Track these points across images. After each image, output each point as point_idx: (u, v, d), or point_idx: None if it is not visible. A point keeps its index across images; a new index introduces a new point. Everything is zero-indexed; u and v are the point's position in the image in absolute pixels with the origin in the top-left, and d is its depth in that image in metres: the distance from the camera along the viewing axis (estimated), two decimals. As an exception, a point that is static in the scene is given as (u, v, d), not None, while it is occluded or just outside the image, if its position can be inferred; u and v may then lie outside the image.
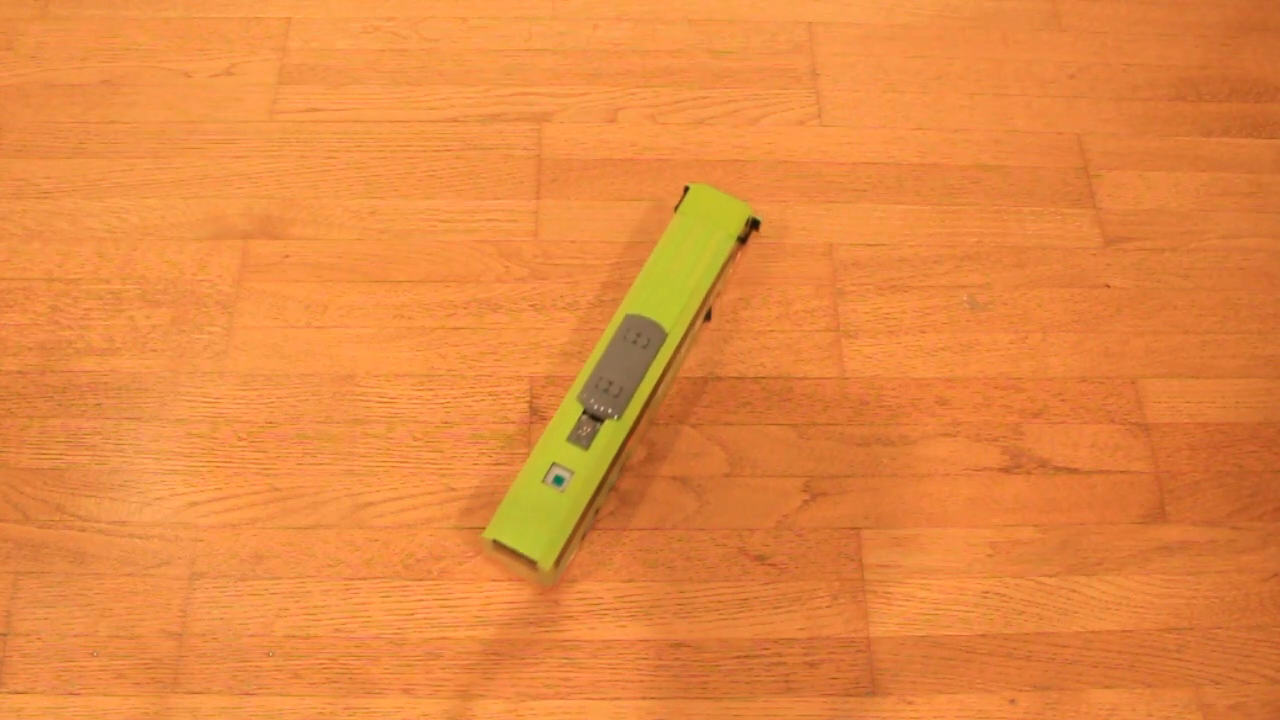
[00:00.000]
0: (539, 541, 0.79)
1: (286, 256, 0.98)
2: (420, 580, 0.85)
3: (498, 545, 0.79)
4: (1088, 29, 1.15)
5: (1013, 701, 0.82)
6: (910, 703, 0.82)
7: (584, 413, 0.82)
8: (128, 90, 1.06)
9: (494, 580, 0.85)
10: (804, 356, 0.95)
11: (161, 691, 0.81)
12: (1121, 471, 0.91)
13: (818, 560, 0.87)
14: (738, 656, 0.83)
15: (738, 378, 0.94)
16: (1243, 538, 0.89)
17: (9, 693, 0.80)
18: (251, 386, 0.92)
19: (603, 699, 0.81)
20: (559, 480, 0.80)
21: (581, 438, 0.81)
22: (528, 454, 0.89)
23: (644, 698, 0.82)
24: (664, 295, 0.87)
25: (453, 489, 0.88)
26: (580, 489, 0.80)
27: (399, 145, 1.04)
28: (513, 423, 0.91)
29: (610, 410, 0.82)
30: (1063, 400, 0.94)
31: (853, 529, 0.88)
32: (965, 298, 0.99)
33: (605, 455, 0.81)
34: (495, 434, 0.91)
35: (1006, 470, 0.91)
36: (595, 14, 1.13)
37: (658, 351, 0.85)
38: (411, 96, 1.07)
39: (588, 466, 0.81)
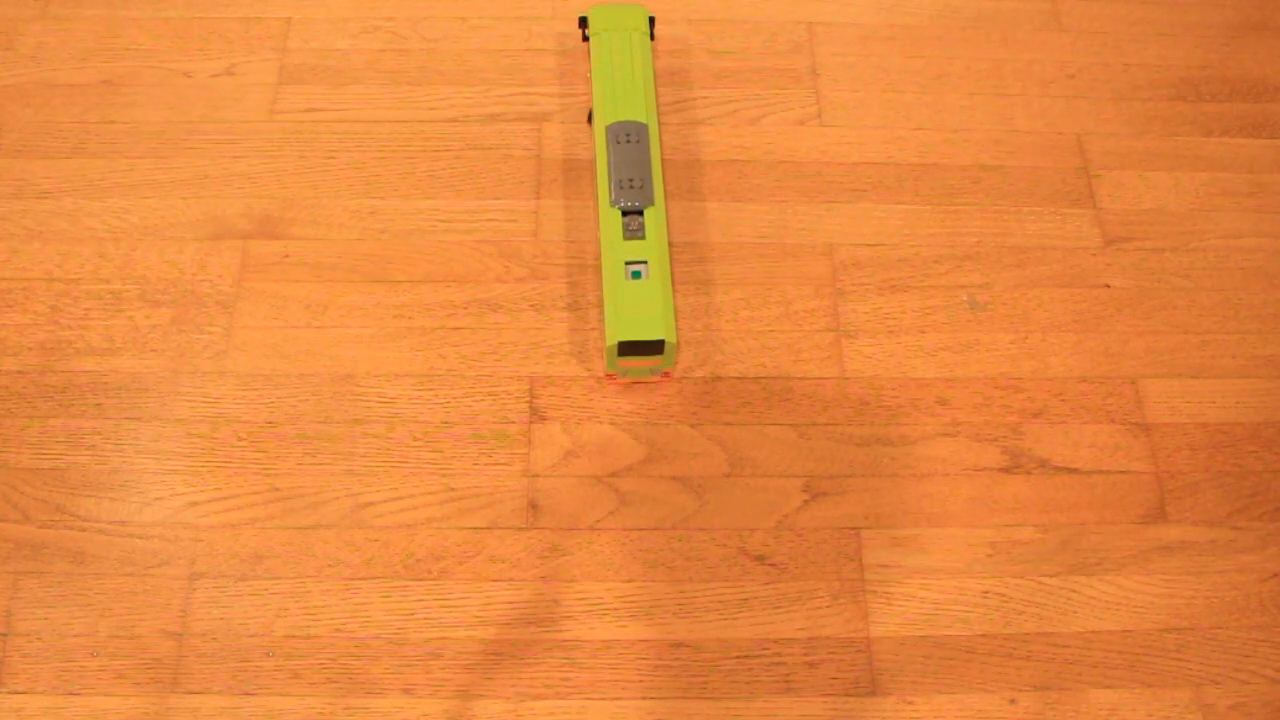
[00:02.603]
0: (656, 324, 0.87)
1: (286, 256, 0.98)
2: (420, 580, 0.85)
3: (624, 346, 0.87)
4: (1088, 29, 1.15)
5: (1013, 701, 0.82)
6: (910, 703, 0.82)
7: (624, 214, 0.92)
8: (128, 90, 1.06)
9: (494, 580, 0.85)
10: (804, 356, 0.95)
11: (161, 691, 0.81)
12: (1121, 471, 0.91)
13: (818, 560, 0.87)
14: (738, 656, 0.83)
15: (738, 378, 0.94)
16: (1243, 538, 0.89)
17: (9, 693, 0.80)
18: (251, 386, 0.92)
19: (603, 699, 0.81)
20: (637, 274, 0.89)
21: (635, 230, 0.91)
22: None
23: (644, 698, 0.82)
24: (625, 98, 0.98)
25: (453, 489, 0.88)
26: (659, 269, 0.90)
27: (399, 145, 1.04)
28: (513, 423, 0.91)
29: (643, 200, 0.92)
30: (1063, 400, 0.94)
31: (853, 529, 0.88)
32: (965, 298, 0.99)
33: (661, 235, 0.92)
34: (495, 434, 0.91)
35: (1006, 470, 0.91)
36: (595, 14, 1.13)
37: (650, 142, 0.95)
38: (411, 96, 1.07)
39: (654, 249, 0.91)
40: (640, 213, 0.92)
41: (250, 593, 0.84)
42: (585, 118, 1.04)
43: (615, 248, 0.91)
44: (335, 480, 0.88)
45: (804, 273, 0.99)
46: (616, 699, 0.81)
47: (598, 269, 0.98)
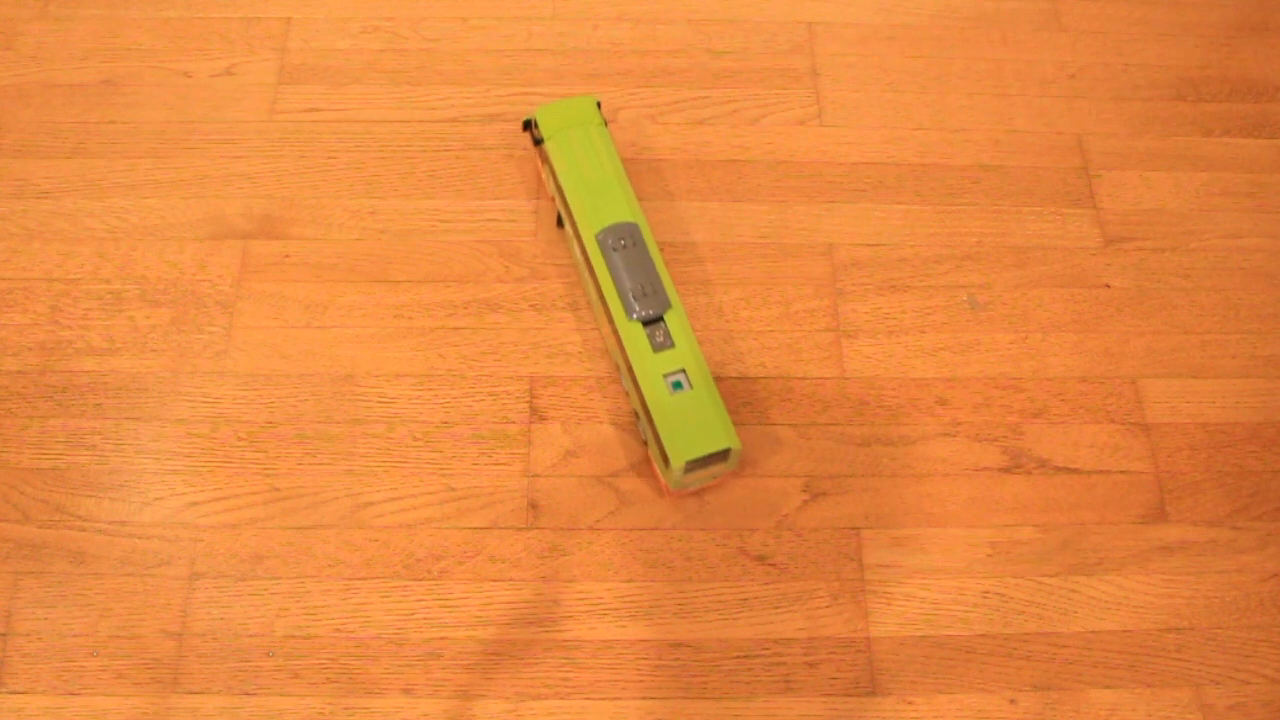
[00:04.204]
0: (717, 434, 0.83)
1: (286, 256, 0.98)
2: (420, 580, 0.85)
3: (691, 463, 0.82)
4: (1088, 29, 1.15)
5: (1013, 701, 0.82)
6: (910, 703, 0.82)
7: (644, 325, 0.86)
8: (128, 90, 1.06)
9: (494, 580, 0.85)
10: (804, 356, 0.95)
11: (161, 691, 0.81)
12: (1121, 471, 0.91)
13: (818, 560, 0.87)
14: (738, 656, 0.83)
15: (738, 378, 0.94)
16: (1243, 538, 0.89)
17: (9, 693, 0.80)
18: (251, 386, 0.92)
19: (603, 699, 0.81)
20: (678, 385, 0.84)
21: (661, 342, 0.86)
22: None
23: (644, 698, 0.82)
24: (606, 200, 0.91)
25: (453, 489, 0.88)
26: (699, 374, 0.85)
27: (399, 145, 1.04)
28: (513, 423, 0.91)
29: (660, 305, 0.87)
30: (1063, 400, 0.94)
31: (853, 529, 0.88)
32: (965, 298, 0.99)
33: (689, 336, 0.87)
34: (495, 434, 0.91)
35: (1006, 470, 0.91)
36: (595, 14, 1.13)
37: (646, 241, 0.90)
38: (411, 96, 1.07)
39: (687, 355, 0.86)
40: (661, 319, 0.87)
41: (250, 593, 0.84)
42: (555, 221, 0.98)
43: (647, 363, 0.85)
44: (335, 480, 0.88)
45: (804, 273, 0.99)
46: (616, 699, 0.81)
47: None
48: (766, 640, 0.84)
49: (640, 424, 0.87)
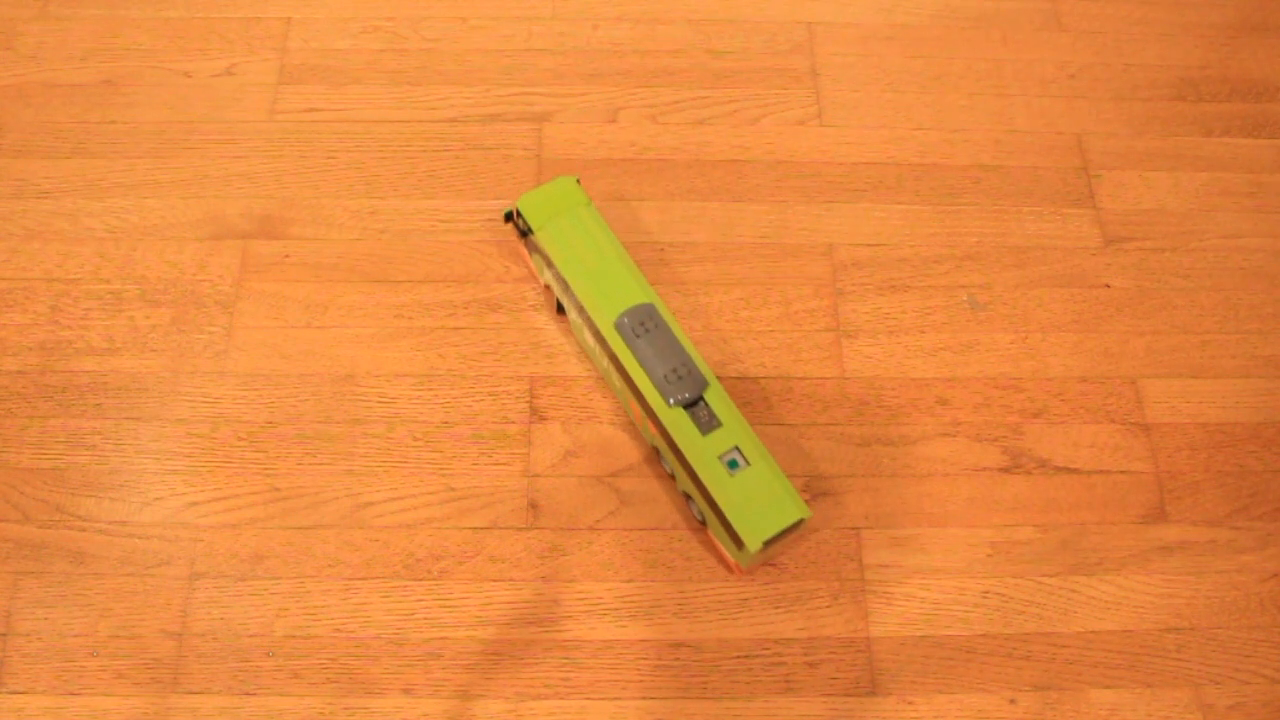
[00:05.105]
0: (786, 507, 0.80)
1: (286, 256, 0.98)
2: (420, 580, 0.85)
3: (767, 543, 0.80)
4: (1088, 29, 1.15)
5: (1013, 701, 0.82)
6: (910, 703, 0.82)
7: (685, 408, 0.83)
8: (128, 90, 1.06)
9: (494, 580, 0.85)
10: (804, 356, 0.95)
11: (161, 691, 0.81)
12: (1121, 471, 0.91)
13: (818, 560, 0.87)
14: (738, 656, 0.83)
15: (738, 378, 0.94)
16: (1243, 538, 0.89)
17: (9, 693, 0.80)
18: (251, 386, 0.92)
19: (603, 699, 0.81)
20: (734, 464, 0.81)
21: (708, 422, 0.82)
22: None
23: (644, 698, 0.82)
24: (615, 285, 0.87)
25: (453, 489, 0.88)
26: (753, 448, 0.82)
27: (399, 145, 1.04)
28: (513, 423, 0.91)
29: (698, 386, 0.83)
30: (1063, 400, 0.94)
31: (853, 529, 0.88)
32: (965, 298, 0.99)
33: (734, 411, 0.83)
34: (495, 434, 0.91)
35: (1006, 470, 0.91)
36: (595, 14, 1.13)
37: (667, 321, 0.86)
38: (411, 96, 1.07)
39: (736, 431, 0.82)
40: (701, 398, 0.83)
41: (250, 593, 0.84)
42: (554, 309, 0.95)
43: (699, 447, 0.81)
44: (335, 480, 0.88)
45: (804, 273, 0.99)
46: (616, 699, 0.81)
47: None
48: (766, 640, 0.84)
49: (694, 505, 0.85)
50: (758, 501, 0.80)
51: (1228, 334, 0.98)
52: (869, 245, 1.01)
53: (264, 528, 0.86)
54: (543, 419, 0.91)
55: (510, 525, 0.87)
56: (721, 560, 0.86)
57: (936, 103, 1.09)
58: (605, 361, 0.88)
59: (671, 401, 0.82)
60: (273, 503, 0.87)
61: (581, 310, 0.88)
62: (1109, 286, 1.00)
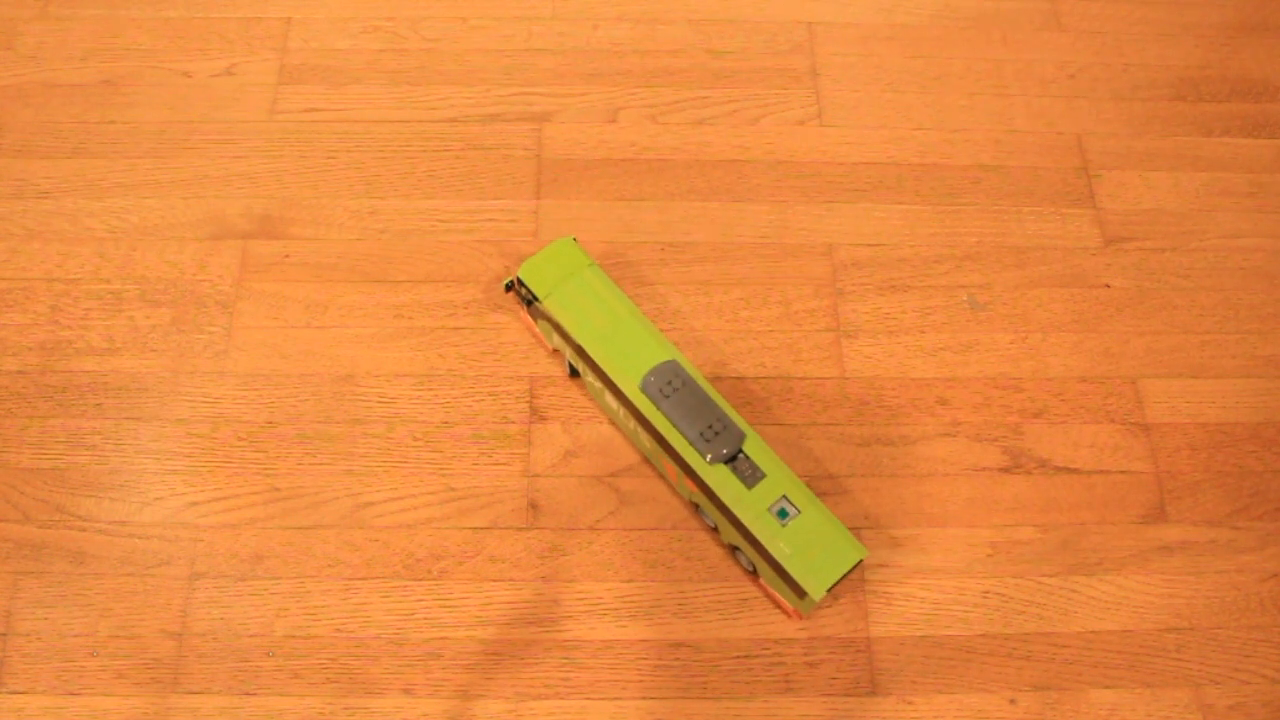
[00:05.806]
0: (843, 550, 0.78)
1: (286, 256, 0.98)
2: (420, 580, 0.85)
3: (830, 590, 0.79)
4: (1088, 29, 1.15)
5: (1013, 701, 0.82)
6: (910, 703, 0.82)
7: (726, 463, 0.81)
8: (128, 90, 1.06)
9: (494, 580, 0.85)
10: (804, 356, 0.95)
11: (161, 691, 0.81)
12: (1121, 471, 0.91)
13: (818, 560, 0.87)
14: (738, 656, 0.83)
15: (737, 378, 0.94)
16: (1243, 538, 0.89)
17: (9, 693, 0.80)
18: (251, 386, 0.92)
19: (603, 699, 0.81)
20: (784, 513, 0.79)
21: (751, 475, 0.81)
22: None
23: (644, 698, 0.82)
24: (633, 347, 0.85)
25: (453, 489, 0.88)
26: (801, 495, 0.80)
27: (399, 145, 1.04)
28: (513, 423, 0.91)
29: (736, 440, 0.81)
30: (1063, 400, 0.94)
31: (853, 529, 0.88)
32: (965, 298, 0.99)
33: (775, 459, 0.81)
34: (495, 434, 0.91)
35: (1006, 470, 0.91)
36: (595, 14, 1.13)
37: (692, 376, 0.84)
38: (411, 96, 1.07)
39: (781, 480, 0.81)
40: (741, 451, 0.81)
41: (250, 593, 0.84)
42: (568, 373, 0.92)
43: (746, 502, 0.79)
44: (335, 480, 0.88)
45: (804, 273, 0.99)
46: (616, 699, 0.81)
47: (598, 269, 0.97)
48: (766, 640, 0.84)
49: (741, 556, 0.84)
50: (815, 549, 0.78)
51: (1228, 334, 0.98)
52: (869, 245, 1.01)
53: (264, 528, 0.86)
54: (543, 419, 0.91)
55: (510, 525, 0.87)
56: (779, 606, 0.85)
57: (936, 103, 1.09)
58: (633, 424, 0.86)
59: (710, 459, 0.80)
60: (273, 503, 0.87)
61: (601, 374, 0.85)
62: (1109, 286, 1.00)
